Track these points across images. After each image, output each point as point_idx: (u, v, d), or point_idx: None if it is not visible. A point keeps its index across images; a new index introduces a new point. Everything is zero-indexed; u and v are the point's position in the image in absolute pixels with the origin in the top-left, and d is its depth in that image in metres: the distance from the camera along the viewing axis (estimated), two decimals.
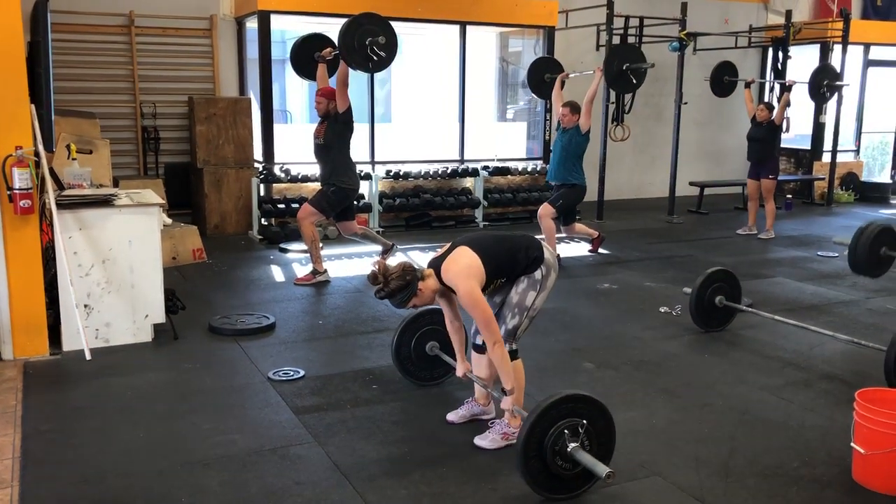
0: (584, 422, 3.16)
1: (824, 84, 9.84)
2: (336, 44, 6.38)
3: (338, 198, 6.58)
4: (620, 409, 4.11)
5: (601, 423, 3.24)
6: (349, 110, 6.47)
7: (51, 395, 4.21)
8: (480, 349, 3.81)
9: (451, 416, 3.93)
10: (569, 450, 3.14)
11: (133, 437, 3.71)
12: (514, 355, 3.64)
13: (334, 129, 6.50)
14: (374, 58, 6.08)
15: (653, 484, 3.35)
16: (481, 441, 3.66)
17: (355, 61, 6.09)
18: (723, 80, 10.11)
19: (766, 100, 11.89)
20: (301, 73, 7.02)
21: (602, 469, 3.08)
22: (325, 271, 6.78)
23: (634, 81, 8.66)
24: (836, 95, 10.91)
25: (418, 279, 3.48)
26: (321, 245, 6.91)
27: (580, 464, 3.14)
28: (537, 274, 3.59)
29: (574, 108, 7.28)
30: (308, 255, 6.91)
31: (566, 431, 3.14)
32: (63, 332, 4.78)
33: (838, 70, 11.48)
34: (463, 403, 3.97)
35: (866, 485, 3.32)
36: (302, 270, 7.13)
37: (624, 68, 8.51)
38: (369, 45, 6.04)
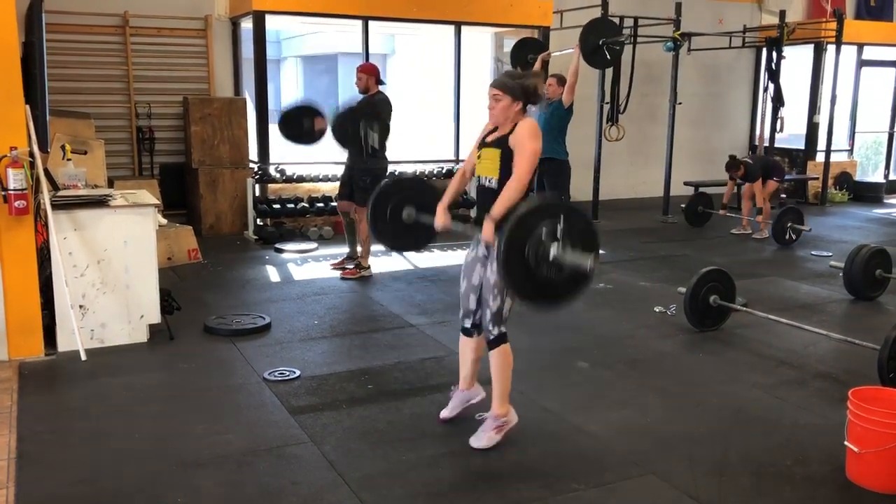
0: (561, 217, 3.15)
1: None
2: (324, 118, 6.61)
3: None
4: (615, 408, 4.14)
5: (580, 224, 3.23)
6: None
7: (46, 396, 4.20)
8: (468, 332, 3.79)
9: (444, 413, 3.94)
10: (551, 254, 3.13)
11: (128, 437, 3.71)
12: (504, 338, 3.61)
13: (372, 111, 6.63)
14: (368, 148, 6.20)
15: (647, 482, 3.36)
16: (477, 442, 3.64)
17: (349, 142, 6.25)
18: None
19: (759, 100, 11.95)
20: (291, 139, 7.07)
21: (586, 260, 3.09)
22: (369, 267, 6.94)
23: (609, 57, 8.44)
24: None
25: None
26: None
27: (564, 266, 3.14)
28: None
29: (560, 79, 7.39)
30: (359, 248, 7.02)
31: (544, 236, 3.13)
32: (58, 332, 4.77)
33: (832, 70, 11.54)
34: (450, 397, 3.97)
35: (860, 483, 3.34)
36: (298, 270, 7.14)
37: (600, 43, 8.37)
38: (363, 127, 6.11)
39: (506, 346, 3.64)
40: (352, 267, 6.96)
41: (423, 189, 4.16)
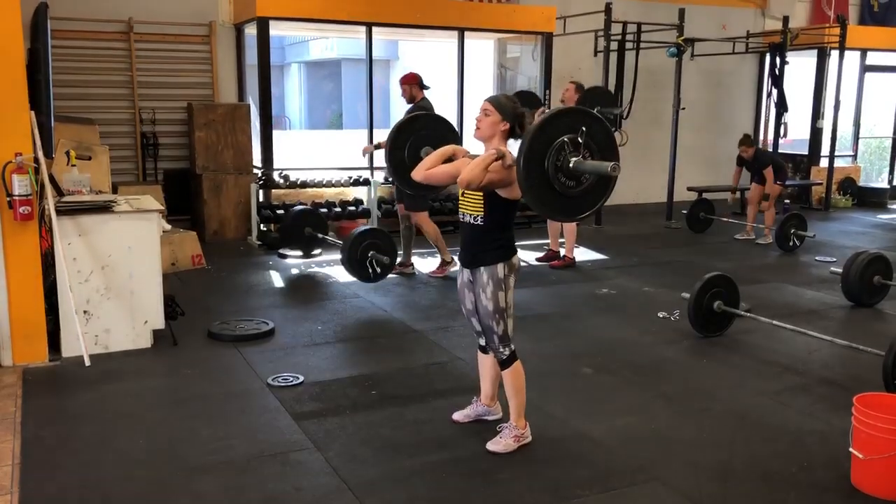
0: (583, 129, 3.15)
1: None
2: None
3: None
4: (619, 414, 4.13)
5: (598, 132, 3.24)
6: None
7: (50, 402, 4.21)
8: (484, 350, 3.83)
9: (457, 416, 3.96)
10: (571, 165, 3.14)
11: (132, 443, 3.71)
12: (514, 356, 3.65)
13: None
14: (371, 272, 6.25)
15: (652, 489, 3.35)
16: (494, 447, 3.65)
17: (354, 270, 6.24)
18: None
19: (763, 105, 11.94)
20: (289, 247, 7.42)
21: (605, 165, 3.11)
22: (452, 260, 7.07)
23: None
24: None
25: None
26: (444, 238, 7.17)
27: (584, 177, 3.16)
28: (500, 271, 3.54)
29: (578, 87, 7.48)
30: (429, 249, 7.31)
31: (565, 144, 3.14)
32: (62, 338, 4.78)
33: (835, 76, 11.54)
34: (469, 403, 3.99)
35: (865, 489, 3.33)
36: (302, 276, 7.15)
37: (595, 110, 8.33)
38: (371, 257, 6.19)
39: (517, 364, 3.67)
40: (436, 268, 7.19)
41: (440, 127, 4.17)
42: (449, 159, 3.69)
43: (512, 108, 3.51)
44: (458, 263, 3.76)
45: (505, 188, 3.45)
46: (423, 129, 4.22)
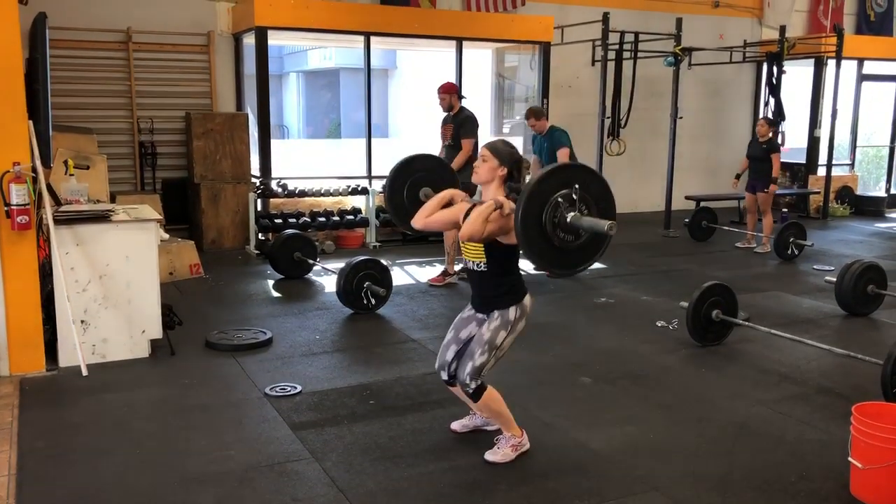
0: (577, 186, 3.19)
1: None
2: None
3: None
4: (617, 424, 4.12)
5: (595, 186, 3.27)
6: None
7: (47, 412, 4.19)
8: (450, 383, 3.76)
9: (455, 426, 3.96)
10: (568, 220, 3.17)
11: (129, 453, 3.70)
12: (482, 387, 3.60)
13: (458, 129, 6.94)
14: (367, 303, 6.19)
15: (650, 499, 3.34)
16: (493, 456, 3.65)
17: (349, 301, 6.18)
18: None
19: (760, 114, 11.96)
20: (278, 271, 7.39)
21: (603, 224, 3.13)
22: (455, 274, 7.16)
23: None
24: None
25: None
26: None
27: (581, 231, 3.18)
28: (511, 314, 3.59)
29: (536, 113, 7.57)
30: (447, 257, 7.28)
31: (560, 202, 3.17)
32: (59, 347, 4.77)
33: (832, 85, 11.57)
34: (468, 414, 3.97)
35: (864, 499, 3.32)
36: (300, 285, 7.15)
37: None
38: (366, 288, 6.14)
39: (487, 392, 3.62)
40: (437, 276, 7.28)
41: (440, 169, 4.22)
42: (448, 203, 3.75)
43: (509, 154, 3.60)
44: (469, 307, 3.78)
45: (505, 235, 3.48)
46: (420, 171, 4.26)
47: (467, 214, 3.61)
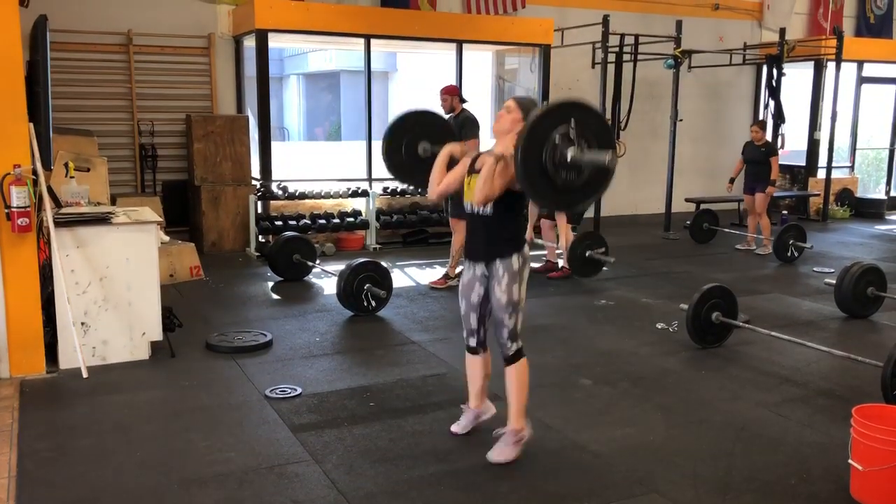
0: (572, 121, 3.18)
1: None
2: None
3: None
4: (618, 426, 4.12)
5: (591, 120, 3.27)
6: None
7: (47, 414, 4.19)
8: (475, 350, 3.82)
9: (455, 428, 3.95)
10: (569, 158, 3.17)
11: (129, 455, 3.70)
12: (521, 352, 3.67)
13: (460, 131, 6.86)
14: (367, 305, 6.17)
15: (651, 501, 3.34)
16: (496, 457, 3.65)
17: (349, 304, 6.16)
18: None
19: (760, 116, 11.97)
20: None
21: (603, 157, 3.13)
22: (456, 277, 7.10)
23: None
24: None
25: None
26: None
27: (584, 167, 3.17)
28: (515, 263, 3.58)
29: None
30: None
31: (559, 141, 3.17)
32: (60, 349, 4.77)
33: (832, 87, 11.58)
34: (462, 413, 3.97)
35: (864, 501, 3.32)
36: (300, 287, 7.15)
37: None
38: (367, 290, 6.14)
39: (523, 360, 3.69)
40: (439, 278, 7.28)
41: (433, 122, 4.23)
42: (452, 161, 3.79)
43: (531, 112, 3.56)
44: (465, 258, 3.77)
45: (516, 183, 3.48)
46: (414, 127, 4.28)
47: (472, 167, 3.65)
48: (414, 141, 4.25)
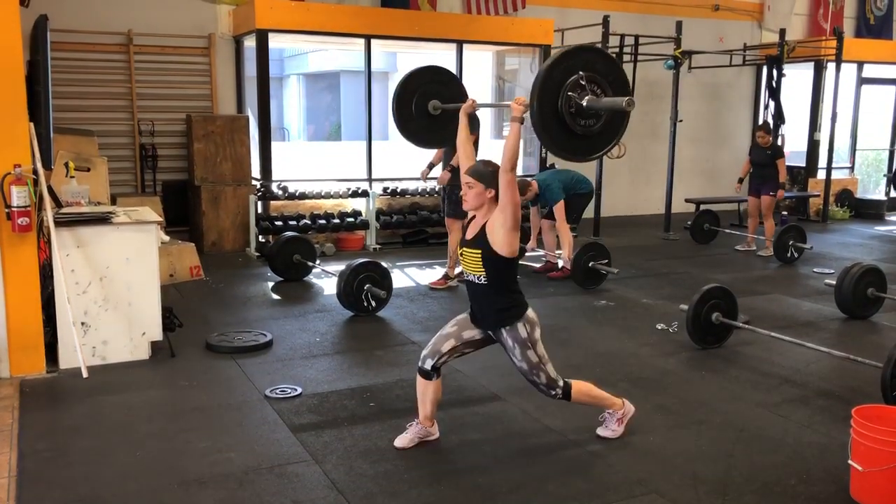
0: (581, 73, 3.18)
1: None
2: None
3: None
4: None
5: (602, 65, 3.25)
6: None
7: (47, 414, 4.19)
8: (427, 375, 3.76)
9: (399, 442, 3.82)
10: (584, 105, 3.17)
11: (129, 455, 3.70)
12: (567, 390, 3.73)
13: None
14: (367, 305, 6.16)
15: (650, 501, 3.34)
16: (602, 432, 3.90)
17: (349, 304, 6.13)
18: None
19: (760, 117, 11.98)
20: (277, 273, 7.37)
21: (620, 101, 3.12)
22: (455, 278, 7.16)
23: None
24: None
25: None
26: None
27: (601, 112, 3.18)
28: (522, 331, 3.62)
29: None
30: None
31: (571, 93, 3.17)
32: (60, 349, 4.77)
33: (832, 88, 11.58)
34: (408, 427, 3.89)
35: (864, 502, 3.32)
36: (300, 287, 7.15)
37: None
38: (367, 291, 6.14)
39: (575, 390, 3.76)
40: (439, 279, 7.26)
41: (442, 78, 4.24)
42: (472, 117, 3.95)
43: (491, 175, 3.56)
44: (470, 318, 3.79)
45: (509, 228, 3.50)
46: (419, 88, 4.28)
47: (464, 237, 3.70)
48: (423, 100, 4.24)
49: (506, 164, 3.44)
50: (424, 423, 3.87)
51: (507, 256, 3.55)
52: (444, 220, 9.30)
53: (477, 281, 3.64)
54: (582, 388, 3.80)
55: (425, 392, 3.81)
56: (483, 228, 3.58)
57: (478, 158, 3.78)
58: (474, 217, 3.69)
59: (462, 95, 4.25)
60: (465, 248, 3.67)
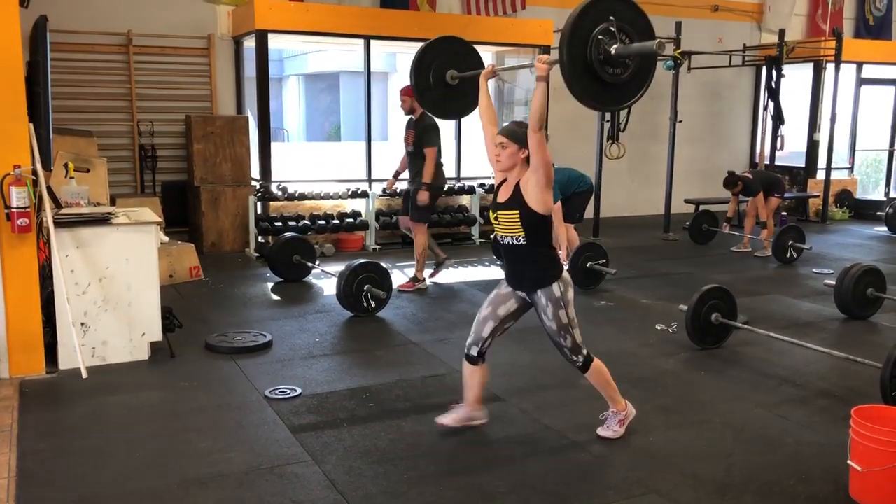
0: (612, 18, 3.21)
1: None
2: None
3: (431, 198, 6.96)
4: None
5: (628, 13, 3.29)
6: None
7: (47, 414, 4.19)
8: (473, 360, 3.85)
9: (444, 420, 3.95)
10: (613, 53, 3.20)
11: (129, 456, 3.70)
12: (589, 359, 3.79)
13: (420, 137, 6.86)
14: (367, 306, 6.15)
15: (650, 502, 3.34)
16: (603, 432, 3.89)
17: (349, 304, 6.13)
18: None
19: (760, 118, 11.97)
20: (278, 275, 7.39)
21: (651, 44, 3.16)
22: (424, 280, 7.13)
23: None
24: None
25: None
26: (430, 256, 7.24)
27: (629, 61, 3.22)
28: (556, 290, 3.66)
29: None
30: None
31: (601, 38, 3.20)
32: (59, 350, 4.77)
33: (831, 89, 11.59)
34: (453, 407, 4.00)
35: (863, 502, 3.32)
36: (300, 288, 7.15)
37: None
38: (366, 291, 6.13)
39: (594, 365, 3.81)
40: (406, 282, 7.18)
41: (457, 49, 4.31)
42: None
43: (524, 134, 3.60)
44: (507, 285, 3.83)
45: (542, 190, 3.54)
46: (435, 60, 4.35)
47: (495, 200, 3.71)
48: (440, 73, 4.29)
49: (534, 124, 3.46)
50: (473, 406, 3.94)
51: (544, 213, 3.60)
52: (443, 222, 9.36)
53: (515, 242, 3.67)
54: (602, 368, 3.84)
55: (472, 377, 3.90)
56: (517, 189, 3.61)
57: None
58: (505, 181, 3.71)
59: (481, 66, 4.31)
60: (499, 212, 3.68)
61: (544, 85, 3.49)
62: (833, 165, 11.90)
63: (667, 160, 10.46)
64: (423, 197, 6.86)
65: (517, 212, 3.61)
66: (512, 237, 3.67)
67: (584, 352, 3.78)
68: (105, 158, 7.46)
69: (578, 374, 4.87)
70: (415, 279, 7.13)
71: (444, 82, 4.30)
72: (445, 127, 10.16)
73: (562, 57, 3.20)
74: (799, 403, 4.50)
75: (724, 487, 3.46)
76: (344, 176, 9.60)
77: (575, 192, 7.59)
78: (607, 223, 10.50)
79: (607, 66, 3.23)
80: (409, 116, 7.01)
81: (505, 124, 3.75)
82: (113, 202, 7.30)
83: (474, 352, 3.84)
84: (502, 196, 3.69)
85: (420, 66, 4.33)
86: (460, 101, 4.40)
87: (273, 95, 9.26)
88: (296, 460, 3.66)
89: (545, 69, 3.48)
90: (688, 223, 9.91)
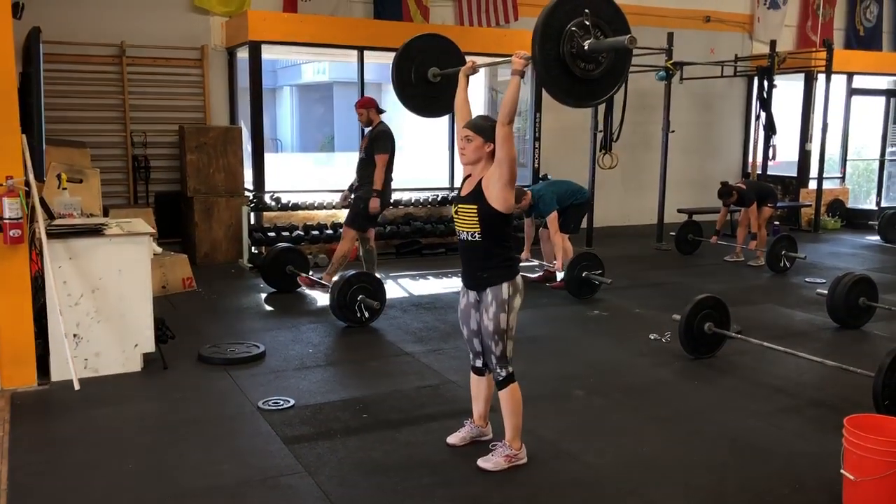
0: (587, 11, 3.18)
1: None
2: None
3: (367, 210, 6.89)
4: (610, 437, 4.12)
5: (604, 9, 3.27)
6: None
7: (39, 426, 4.17)
8: (479, 372, 3.84)
9: (451, 439, 3.94)
10: (586, 47, 3.17)
11: (122, 468, 3.68)
12: (511, 377, 3.67)
13: (373, 143, 6.85)
14: (360, 316, 6.14)
15: None
16: (485, 464, 3.67)
17: (343, 315, 6.13)
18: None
19: (751, 128, 12.03)
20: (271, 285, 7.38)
21: (622, 39, 3.12)
22: (326, 286, 6.89)
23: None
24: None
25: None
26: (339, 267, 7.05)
27: (601, 57, 3.19)
28: (505, 291, 3.58)
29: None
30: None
31: (575, 30, 3.18)
32: (52, 362, 4.75)
33: (822, 99, 11.66)
34: (462, 425, 3.97)
35: None
36: (293, 299, 7.14)
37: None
38: (360, 301, 6.13)
39: (514, 385, 3.69)
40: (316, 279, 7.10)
41: (437, 46, 4.30)
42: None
43: (492, 129, 3.57)
44: (462, 285, 3.78)
45: (506, 186, 3.50)
46: (417, 56, 4.35)
47: (458, 195, 3.69)
48: (421, 68, 4.29)
49: (503, 118, 3.44)
50: (479, 423, 3.93)
51: (503, 212, 3.55)
52: (437, 231, 9.37)
53: (470, 238, 3.61)
54: (519, 395, 3.70)
55: (479, 388, 3.87)
56: (479, 184, 3.57)
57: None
58: (469, 175, 3.68)
59: (459, 57, 4.31)
60: (459, 205, 3.64)
61: (518, 79, 3.48)
62: (825, 175, 11.95)
63: (659, 170, 10.49)
64: (375, 205, 6.80)
65: (475, 207, 3.55)
66: (468, 233, 3.61)
67: (510, 369, 3.67)
68: (98, 169, 7.44)
69: (572, 384, 4.90)
70: (318, 280, 7.02)
71: (426, 80, 4.30)
72: (438, 135, 10.21)
73: (534, 48, 3.20)
74: (792, 413, 4.50)
75: (717, 497, 3.46)
76: (337, 186, 9.54)
77: (573, 203, 7.65)
78: (600, 232, 10.51)
79: (579, 60, 3.22)
80: (367, 128, 7.04)
81: (472, 118, 3.70)
82: (106, 213, 7.28)
83: (478, 363, 3.82)
84: (465, 190, 3.65)
85: (403, 86, 4.32)
86: (442, 99, 4.39)
87: (266, 106, 9.28)
88: (289, 472, 3.64)
89: (521, 63, 3.47)
90: (672, 233, 9.92)
